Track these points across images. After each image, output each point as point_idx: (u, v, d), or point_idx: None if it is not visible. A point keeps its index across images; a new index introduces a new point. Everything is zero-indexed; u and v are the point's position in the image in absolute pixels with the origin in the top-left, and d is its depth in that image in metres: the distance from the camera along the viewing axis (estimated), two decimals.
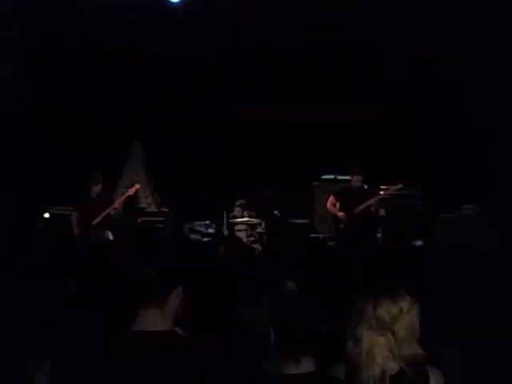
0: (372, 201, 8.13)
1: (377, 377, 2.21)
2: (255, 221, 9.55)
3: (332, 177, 9.28)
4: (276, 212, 9.42)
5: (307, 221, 9.79)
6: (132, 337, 1.95)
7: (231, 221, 9.59)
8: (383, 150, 9.52)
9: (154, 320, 1.97)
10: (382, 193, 8.37)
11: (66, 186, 9.48)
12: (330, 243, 7.96)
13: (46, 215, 9.95)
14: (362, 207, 8.10)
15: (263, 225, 9.46)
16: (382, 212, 9.04)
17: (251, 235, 9.39)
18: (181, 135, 10.49)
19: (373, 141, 9.64)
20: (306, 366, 2.09)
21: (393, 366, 2.21)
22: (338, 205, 8.33)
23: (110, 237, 7.85)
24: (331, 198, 8.38)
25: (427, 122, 9.37)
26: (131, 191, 8.69)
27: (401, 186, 8.40)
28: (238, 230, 9.54)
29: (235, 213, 9.69)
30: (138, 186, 9.09)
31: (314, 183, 9.65)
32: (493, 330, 2.96)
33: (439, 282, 4.04)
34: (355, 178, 8.15)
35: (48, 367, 2.02)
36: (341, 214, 8.21)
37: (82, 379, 1.93)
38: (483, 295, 3.44)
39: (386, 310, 2.24)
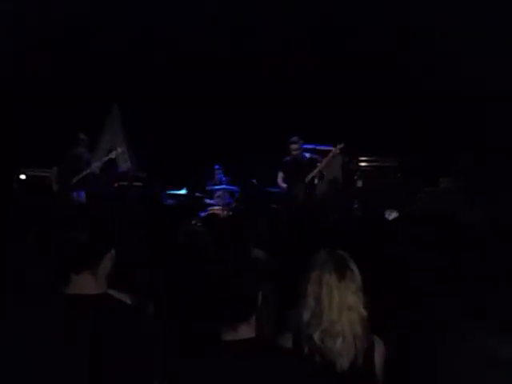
0: (316, 170, 8.32)
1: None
2: (233, 188, 9.59)
3: (312, 146, 9.23)
4: (254, 180, 9.40)
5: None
6: (64, 300, 1.93)
7: (209, 188, 9.60)
8: (364, 121, 9.46)
9: (87, 284, 1.94)
10: (323, 163, 8.45)
11: (42, 148, 9.38)
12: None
13: (23, 177, 9.88)
14: (310, 176, 8.31)
15: (240, 192, 9.49)
16: (360, 183, 9.09)
17: (228, 203, 9.42)
18: (161, 99, 10.38)
19: (356, 112, 9.58)
20: (245, 331, 2.05)
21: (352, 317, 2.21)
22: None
23: (83, 199, 7.93)
24: (280, 174, 8.57)
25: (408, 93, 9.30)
26: (112, 155, 8.82)
27: (341, 145, 8.43)
28: (217, 197, 9.60)
29: (215, 180, 9.72)
30: (119, 149, 9.22)
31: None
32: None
33: (406, 253, 4.06)
34: (292, 146, 8.38)
35: None
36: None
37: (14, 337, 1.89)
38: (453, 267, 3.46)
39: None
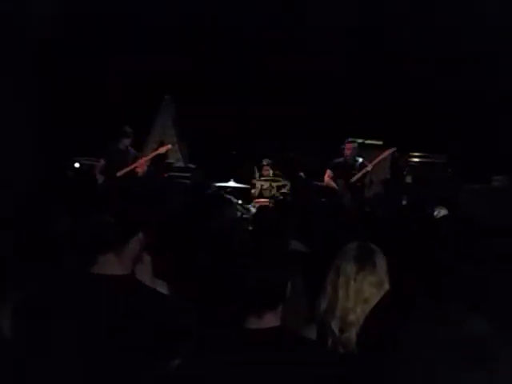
0: (364, 170, 8.27)
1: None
2: (281, 181, 9.60)
3: (360, 141, 9.15)
4: (302, 174, 9.39)
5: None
6: (88, 278, 1.99)
7: (256, 180, 9.64)
8: (413, 117, 9.31)
9: (111, 264, 1.99)
10: (371, 164, 8.37)
11: (96, 138, 9.58)
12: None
13: (77, 165, 10.14)
14: (357, 176, 8.26)
15: (288, 186, 9.49)
16: (409, 179, 8.96)
17: (275, 195, 9.43)
18: (213, 92, 10.45)
19: (402, 107, 9.43)
20: (270, 320, 2.06)
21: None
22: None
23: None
24: (328, 172, 8.52)
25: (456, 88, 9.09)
26: (162, 150, 8.81)
27: (393, 149, 8.37)
28: (264, 189, 9.63)
29: (263, 172, 9.75)
30: (169, 146, 9.24)
31: (342, 146, 9.55)
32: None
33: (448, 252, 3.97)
34: (346, 148, 8.37)
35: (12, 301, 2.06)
36: (339, 181, 8.38)
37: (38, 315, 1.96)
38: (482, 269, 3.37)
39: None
